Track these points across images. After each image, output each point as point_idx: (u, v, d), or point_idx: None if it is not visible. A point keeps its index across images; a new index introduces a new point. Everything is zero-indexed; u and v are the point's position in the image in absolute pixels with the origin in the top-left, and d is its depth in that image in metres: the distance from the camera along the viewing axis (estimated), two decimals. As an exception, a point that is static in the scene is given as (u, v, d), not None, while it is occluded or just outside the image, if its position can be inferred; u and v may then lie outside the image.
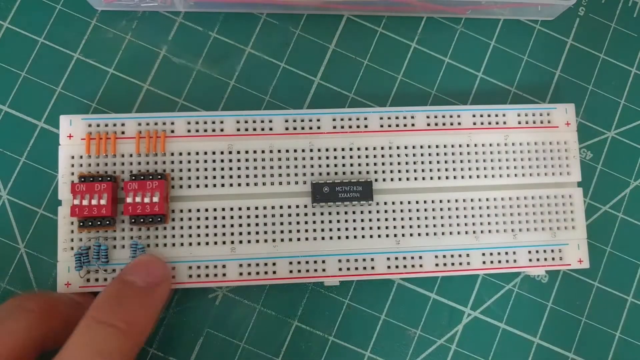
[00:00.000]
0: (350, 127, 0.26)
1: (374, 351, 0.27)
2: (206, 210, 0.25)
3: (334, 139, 0.26)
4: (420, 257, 0.26)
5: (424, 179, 0.26)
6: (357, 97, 0.28)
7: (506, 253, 0.26)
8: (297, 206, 0.25)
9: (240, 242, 0.25)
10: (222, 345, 0.26)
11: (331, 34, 0.29)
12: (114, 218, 0.24)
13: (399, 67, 0.29)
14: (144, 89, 0.28)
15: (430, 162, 0.26)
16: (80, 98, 0.27)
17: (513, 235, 0.26)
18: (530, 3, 0.28)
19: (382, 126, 0.26)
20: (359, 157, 0.26)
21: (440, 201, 0.26)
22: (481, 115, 0.27)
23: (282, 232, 0.25)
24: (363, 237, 0.25)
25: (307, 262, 0.25)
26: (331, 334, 0.27)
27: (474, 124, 0.27)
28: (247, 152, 0.26)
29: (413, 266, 0.25)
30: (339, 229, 0.25)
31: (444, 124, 0.26)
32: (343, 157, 0.26)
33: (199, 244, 0.25)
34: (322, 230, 0.25)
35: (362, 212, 0.26)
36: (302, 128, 0.26)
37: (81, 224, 0.24)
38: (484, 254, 0.26)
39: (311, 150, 0.26)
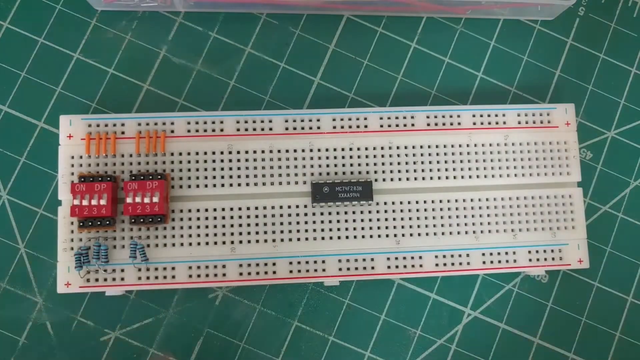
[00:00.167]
0: (350, 127, 0.26)
1: (374, 351, 0.27)
2: (206, 210, 0.25)
3: (334, 139, 0.26)
4: (420, 257, 0.26)
5: (424, 179, 0.26)
6: (357, 97, 0.28)
7: (506, 253, 0.26)
8: (297, 206, 0.25)
9: (240, 242, 0.25)
10: (222, 345, 0.26)
11: (331, 34, 0.29)
12: (114, 218, 0.24)
13: (399, 67, 0.29)
14: (144, 89, 0.28)
15: (430, 162, 0.26)
16: (80, 98, 0.27)
17: (513, 235, 0.26)
18: (530, 3, 0.28)
19: (382, 126, 0.26)
20: (359, 157, 0.26)
21: (440, 201, 0.26)
22: (481, 115, 0.27)
23: (282, 232, 0.25)
24: (363, 237, 0.25)
25: (307, 262, 0.25)
26: (331, 334, 0.27)
27: (474, 124, 0.27)
28: (247, 152, 0.26)
29: (413, 266, 0.25)
30: (339, 229, 0.25)
31: (444, 124, 0.26)
32: (343, 157, 0.26)
33: (199, 244, 0.25)
34: (322, 230, 0.25)
35: (362, 212, 0.26)
36: (302, 128, 0.26)
37: (81, 224, 0.24)
38: (484, 254, 0.26)
39: (311, 150, 0.26)
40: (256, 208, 0.25)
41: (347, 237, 0.25)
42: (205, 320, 0.26)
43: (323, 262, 0.25)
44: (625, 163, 0.29)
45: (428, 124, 0.26)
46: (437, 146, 0.26)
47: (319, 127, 0.26)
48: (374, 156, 0.26)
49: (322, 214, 0.25)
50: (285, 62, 0.28)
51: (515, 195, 0.26)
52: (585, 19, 0.30)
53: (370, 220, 0.26)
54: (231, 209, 0.25)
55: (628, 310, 0.28)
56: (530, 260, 0.26)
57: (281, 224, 0.25)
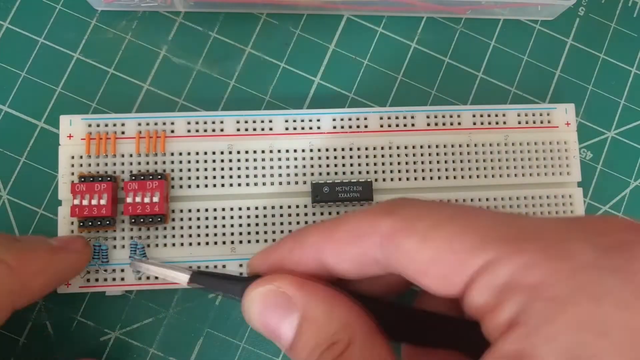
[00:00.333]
0: (350, 127, 0.26)
1: (374, 351, 0.26)
2: (206, 210, 0.25)
3: (334, 139, 0.26)
4: (420, 257, 0.25)
5: (424, 179, 0.26)
6: (357, 97, 0.28)
7: (506, 253, 0.26)
8: (297, 206, 0.25)
9: (240, 242, 0.25)
10: (222, 345, 0.26)
11: (331, 34, 0.29)
12: (114, 218, 0.24)
13: (399, 67, 0.29)
14: (144, 89, 0.28)
15: (430, 162, 0.26)
16: (80, 98, 0.27)
17: (513, 235, 0.26)
18: (530, 3, 0.28)
19: (382, 126, 0.26)
20: (359, 157, 0.26)
21: (440, 201, 0.26)
22: (481, 115, 0.27)
23: (282, 232, 0.25)
24: (363, 237, 0.25)
25: (307, 262, 0.25)
26: (331, 334, 0.26)
27: (474, 124, 0.27)
28: (247, 152, 0.26)
29: (413, 266, 0.25)
30: (339, 229, 0.25)
31: (444, 124, 0.26)
32: (343, 157, 0.26)
33: (199, 244, 0.25)
34: (322, 230, 0.25)
35: (362, 212, 0.26)
36: (302, 128, 0.26)
37: (81, 224, 0.24)
38: (484, 254, 0.26)
39: (311, 150, 0.26)
40: (256, 208, 0.25)
41: (347, 237, 0.25)
42: (205, 320, 0.26)
43: (323, 262, 0.25)
44: (625, 163, 0.29)
45: (428, 124, 0.26)
46: (437, 146, 0.26)
47: (319, 127, 0.26)
48: (374, 156, 0.26)
49: (322, 214, 0.25)
50: (285, 62, 0.28)
51: (515, 195, 0.26)
52: (585, 19, 0.30)
53: (370, 220, 0.25)
54: (231, 209, 0.25)
55: (628, 310, 0.28)
56: (530, 260, 0.26)
57: (281, 224, 0.25)
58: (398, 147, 0.26)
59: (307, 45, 0.29)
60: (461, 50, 0.29)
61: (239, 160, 0.25)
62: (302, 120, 0.26)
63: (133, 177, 0.24)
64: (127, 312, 0.26)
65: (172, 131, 0.25)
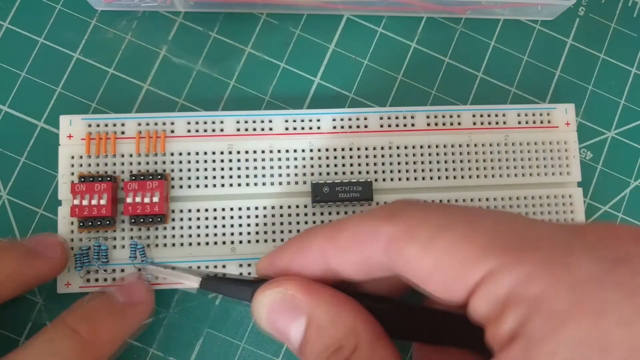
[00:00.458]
0: (350, 127, 0.26)
1: (374, 351, 0.26)
2: (206, 210, 0.25)
3: (334, 139, 0.26)
4: (420, 257, 0.25)
5: (424, 179, 0.26)
6: (357, 97, 0.28)
7: (506, 253, 0.26)
8: (297, 206, 0.25)
9: (240, 242, 0.25)
10: (222, 345, 0.26)
11: (331, 34, 0.29)
12: (114, 218, 0.24)
13: (399, 67, 0.29)
14: (144, 89, 0.28)
15: (430, 162, 0.26)
16: (80, 98, 0.27)
17: (513, 235, 0.26)
18: (530, 3, 0.28)
19: (382, 126, 0.26)
20: (359, 157, 0.26)
21: (440, 201, 0.26)
22: (481, 115, 0.27)
23: (282, 232, 0.25)
24: (363, 237, 0.25)
25: (307, 262, 0.25)
26: (331, 334, 0.26)
27: (474, 124, 0.27)
28: (247, 152, 0.26)
29: (413, 266, 0.25)
30: (339, 229, 0.25)
31: (444, 124, 0.26)
32: (343, 157, 0.26)
33: (199, 244, 0.25)
34: (322, 230, 0.25)
35: (362, 212, 0.26)
36: (302, 128, 0.26)
37: (81, 224, 0.24)
38: (484, 254, 0.26)
39: (311, 150, 0.26)
40: (256, 208, 0.25)
41: (347, 237, 0.25)
42: (205, 320, 0.26)
43: (323, 262, 0.25)
44: (625, 163, 0.29)
45: (428, 124, 0.26)
46: (437, 146, 0.26)
47: (319, 127, 0.26)
48: (374, 156, 0.26)
49: (322, 214, 0.25)
50: (285, 62, 0.28)
51: (515, 195, 0.26)
52: (586, 19, 0.30)
53: (370, 220, 0.25)
54: (231, 209, 0.25)
55: (628, 310, 0.28)
56: (530, 260, 0.26)
57: (281, 224, 0.25)
58: (398, 147, 0.26)
59: (307, 45, 0.29)
60: (461, 50, 0.29)
61: (239, 160, 0.25)
62: (302, 120, 0.26)
63: (133, 177, 0.24)
64: (127, 312, 0.26)
65: (172, 131, 0.25)
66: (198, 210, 0.25)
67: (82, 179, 0.24)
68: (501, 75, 0.29)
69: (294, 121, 0.26)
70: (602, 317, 0.13)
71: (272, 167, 0.26)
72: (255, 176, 0.25)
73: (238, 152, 0.26)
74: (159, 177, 0.24)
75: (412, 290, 0.18)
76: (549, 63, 0.29)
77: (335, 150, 0.26)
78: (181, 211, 0.25)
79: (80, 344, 0.20)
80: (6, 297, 0.22)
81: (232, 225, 0.25)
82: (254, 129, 0.26)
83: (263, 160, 0.26)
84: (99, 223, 0.24)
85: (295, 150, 0.26)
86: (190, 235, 0.25)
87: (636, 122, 0.29)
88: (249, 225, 0.25)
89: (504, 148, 0.27)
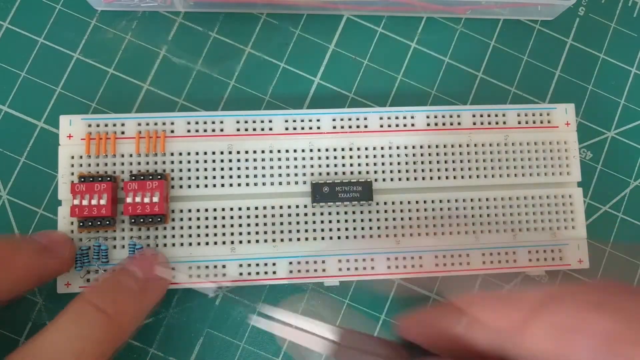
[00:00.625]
0: (350, 127, 0.26)
1: (374, 351, 0.26)
2: (206, 210, 0.25)
3: (334, 139, 0.26)
4: (420, 257, 0.26)
5: (424, 179, 0.26)
6: (357, 97, 0.28)
7: (506, 253, 0.26)
8: (297, 206, 0.25)
9: (240, 242, 0.25)
10: (222, 345, 0.26)
11: (331, 34, 0.29)
12: (114, 218, 0.24)
13: (399, 67, 0.29)
14: (144, 89, 0.28)
15: (430, 162, 0.26)
16: (80, 98, 0.27)
17: (513, 235, 0.26)
18: (530, 3, 0.28)
19: (382, 126, 0.26)
20: (359, 157, 0.26)
21: (440, 201, 0.26)
22: (481, 115, 0.27)
23: (282, 232, 0.25)
24: (363, 237, 0.25)
25: (307, 262, 0.25)
26: (331, 334, 0.27)
27: (474, 124, 0.27)
28: (247, 152, 0.26)
29: (413, 266, 0.25)
30: (339, 229, 0.25)
31: (444, 124, 0.26)
32: (343, 157, 0.26)
33: (199, 244, 0.25)
34: (322, 230, 0.25)
35: (362, 212, 0.26)
36: (302, 128, 0.26)
37: (81, 224, 0.24)
38: (484, 254, 0.26)
39: (311, 150, 0.26)
40: (256, 208, 0.25)
41: (347, 237, 0.25)
42: (205, 320, 0.26)
43: (323, 262, 0.25)
44: (625, 163, 0.29)
45: (428, 124, 0.26)
46: (437, 146, 0.26)
47: (319, 127, 0.26)
48: (374, 156, 0.26)
49: (322, 214, 0.25)
50: (285, 62, 0.28)
51: (515, 195, 0.26)
52: (586, 19, 0.30)
53: (370, 220, 0.26)
54: (231, 209, 0.25)
55: (628, 310, 0.28)
56: (530, 260, 0.26)
57: (281, 224, 0.25)
58: (398, 147, 0.26)
59: (307, 45, 0.29)
60: (461, 50, 0.29)
61: (239, 160, 0.25)
62: (302, 120, 0.26)
63: (133, 177, 0.24)
64: (127, 312, 0.26)
65: (172, 131, 0.25)
66: (198, 210, 0.25)
67: (82, 179, 0.24)
68: (501, 75, 0.29)
69: (294, 121, 0.26)
70: None
71: (272, 167, 0.26)
72: (255, 176, 0.25)
73: (238, 152, 0.26)
74: (159, 177, 0.24)
75: None
76: (548, 63, 0.29)
77: (335, 150, 0.26)
78: (181, 211, 0.25)
79: (108, 322, 0.20)
80: (22, 292, 0.22)
81: (232, 225, 0.25)
82: (254, 129, 0.26)
83: (263, 160, 0.26)
84: (99, 223, 0.24)
85: (295, 150, 0.26)
86: (190, 235, 0.25)
87: (636, 122, 0.29)
88: (249, 225, 0.25)
89: (504, 148, 0.27)
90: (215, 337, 0.26)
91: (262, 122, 0.26)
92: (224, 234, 0.25)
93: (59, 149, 0.25)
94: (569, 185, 0.27)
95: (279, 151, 0.26)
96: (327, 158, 0.26)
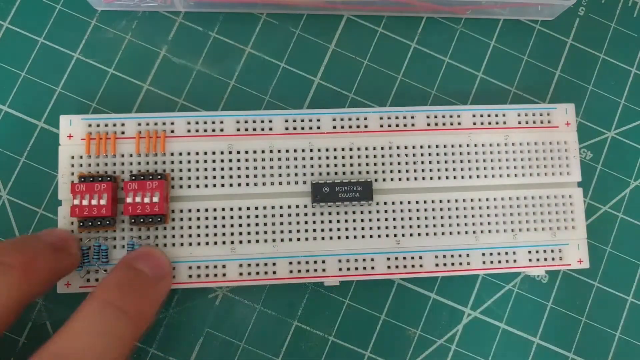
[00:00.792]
0: (350, 127, 0.26)
1: (374, 351, 0.27)
2: (206, 210, 0.25)
3: (334, 139, 0.26)
4: (420, 257, 0.26)
5: (424, 179, 0.26)
6: (357, 97, 0.28)
7: (506, 253, 0.26)
8: (297, 206, 0.25)
9: (240, 242, 0.25)
10: (222, 345, 0.26)
11: (331, 34, 0.29)
12: (114, 218, 0.24)
13: (399, 67, 0.29)
14: (144, 89, 0.28)
15: (430, 162, 0.26)
16: (80, 98, 0.27)
17: (513, 235, 0.26)
18: (530, 3, 0.28)
19: (382, 126, 0.26)
20: (359, 157, 0.26)
21: (440, 201, 0.26)
22: (481, 115, 0.27)
23: (282, 232, 0.25)
24: (363, 237, 0.25)
25: (307, 262, 0.25)
26: (331, 334, 0.27)
27: (474, 124, 0.27)
28: (247, 152, 0.26)
29: (413, 266, 0.25)
30: (339, 229, 0.25)
31: (444, 124, 0.26)
32: (343, 157, 0.26)
33: (199, 244, 0.25)
34: (322, 230, 0.25)
35: (362, 212, 0.26)
36: (302, 128, 0.26)
37: (81, 224, 0.24)
38: (484, 254, 0.26)
39: (311, 150, 0.26)
40: (256, 208, 0.25)
41: (347, 237, 0.25)
42: (205, 320, 0.26)
43: (323, 262, 0.25)
44: (625, 163, 0.29)
45: (428, 124, 0.26)
46: (437, 146, 0.26)
47: (319, 127, 0.26)
48: (374, 156, 0.26)
49: (322, 214, 0.25)
50: (285, 62, 0.28)
51: (515, 195, 0.26)
52: (586, 19, 0.30)
53: (370, 220, 0.26)
54: (231, 209, 0.25)
55: (628, 310, 0.28)
56: (530, 260, 0.26)
57: (281, 224, 0.25)
58: (398, 147, 0.26)
59: (307, 45, 0.29)
60: (461, 50, 0.29)
61: (239, 160, 0.25)
62: (302, 120, 0.26)
63: (133, 177, 0.24)
64: (127, 312, 0.26)
65: (172, 131, 0.25)
66: (198, 210, 0.25)
67: (82, 179, 0.24)
68: (501, 75, 0.29)
69: (294, 121, 0.26)
70: None
71: (272, 167, 0.26)
72: (255, 176, 0.25)
73: (238, 152, 0.26)
74: (159, 177, 0.24)
75: None
76: (548, 63, 0.29)
77: (335, 150, 0.26)
78: (181, 211, 0.25)
79: (130, 323, 0.21)
80: (44, 290, 0.22)
81: (232, 225, 0.25)
82: (254, 129, 0.26)
83: (263, 160, 0.26)
84: (99, 223, 0.24)
85: (295, 150, 0.26)
86: (190, 235, 0.25)
87: (636, 122, 0.29)
88: (249, 225, 0.25)
89: (504, 148, 0.27)
90: (215, 337, 0.26)
91: (262, 122, 0.26)
92: (224, 234, 0.25)
93: (59, 149, 0.25)
94: (569, 185, 0.27)
95: (279, 151, 0.26)
96: (327, 158, 0.26)
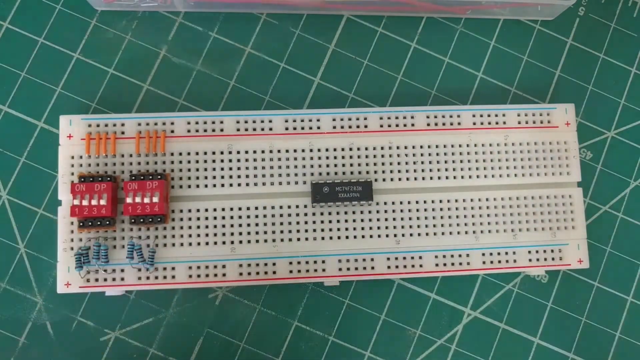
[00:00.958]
0: (350, 127, 0.26)
1: (374, 351, 0.27)
2: (206, 210, 0.25)
3: (334, 139, 0.26)
4: (420, 257, 0.26)
5: (424, 179, 0.26)
6: (357, 97, 0.28)
7: (506, 253, 0.26)
8: (297, 206, 0.25)
9: (240, 242, 0.25)
10: (222, 345, 0.26)
11: (331, 34, 0.29)
12: (114, 218, 0.24)
13: (399, 67, 0.29)
14: (144, 89, 0.28)
15: (430, 162, 0.26)
16: (80, 98, 0.27)
17: (513, 235, 0.26)
18: (530, 3, 0.28)
19: (382, 126, 0.26)
20: (359, 157, 0.26)
21: (440, 201, 0.26)
22: (481, 115, 0.27)
23: (282, 232, 0.25)
24: (363, 237, 0.25)
25: (307, 262, 0.25)
26: (331, 334, 0.27)
27: (474, 124, 0.27)
28: (247, 152, 0.26)
29: (413, 266, 0.25)
30: (339, 229, 0.25)
31: (444, 124, 0.26)
32: (343, 157, 0.26)
33: (199, 244, 0.25)
34: (322, 230, 0.25)
35: (362, 212, 0.26)
36: (302, 128, 0.26)
37: (81, 224, 0.24)
38: (484, 254, 0.26)
39: (311, 150, 0.26)
40: (256, 208, 0.25)
41: (347, 237, 0.25)
42: (205, 320, 0.26)
43: (323, 262, 0.25)
44: (625, 163, 0.29)
45: (428, 124, 0.26)
46: (437, 146, 0.26)
47: (319, 127, 0.26)
48: (374, 156, 0.26)
49: (322, 214, 0.25)
50: (285, 62, 0.28)
51: (515, 195, 0.26)
52: (585, 19, 0.30)
53: (370, 220, 0.26)
54: (231, 209, 0.25)
55: (628, 310, 0.28)
56: (530, 260, 0.26)
57: (281, 224, 0.25)
58: (398, 147, 0.26)
59: (307, 45, 0.29)
60: (461, 50, 0.29)
61: (239, 160, 0.25)
62: (302, 120, 0.26)
63: (133, 177, 0.24)
64: (127, 312, 0.26)
65: (172, 131, 0.25)
66: (198, 210, 0.25)
67: (82, 179, 0.24)
68: (501, 75, 0.29)
69: (294, 121, 0.26)
70: None
71: (272, 167, 0.26)
72: (255, 176, 0.25)
73: (238, 152, 0.26)
74: (159, 177, 0.24)
75: None
76: (548, 63, 0.29)
77: (335, 150, 0.26)
78: (181, 211, 0.25)
79: None
80: None
81: (232, 225, 0.25)
82: (254, 129, 0.26)
83: (263, 160, 0.26)
84: (99, 223, 0.24)
85: (295, 150, 0.26)
86: (190, 235, 0.25)
87: (636, 122, 0.29)
88: (249, 225, 0.25)
89: (504, 148, 0.27)
90: (215, 337, 0.26)
91: (262, 122, 0.26)
92: (224, 234, 0.25)
93: (59, 149, 0.25)
94: (569, 185, 0.27)
95: (279, 151, 0.26)
96: (327, 158, 0.26)
